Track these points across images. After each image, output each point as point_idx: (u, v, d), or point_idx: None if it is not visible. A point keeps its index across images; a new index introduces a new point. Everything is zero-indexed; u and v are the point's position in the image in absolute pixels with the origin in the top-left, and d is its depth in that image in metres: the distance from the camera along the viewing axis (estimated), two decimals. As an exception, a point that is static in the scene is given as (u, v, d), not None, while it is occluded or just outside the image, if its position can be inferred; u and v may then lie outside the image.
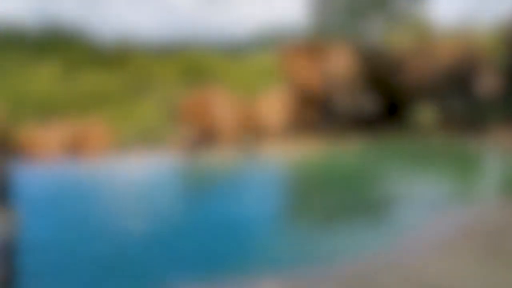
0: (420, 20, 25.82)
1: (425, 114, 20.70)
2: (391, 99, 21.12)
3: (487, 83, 20.50)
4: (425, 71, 20.76)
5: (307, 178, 15.96)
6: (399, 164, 17.09)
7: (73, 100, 22.57)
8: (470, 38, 22.37)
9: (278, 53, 29.82)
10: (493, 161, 17.45)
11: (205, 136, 18.63)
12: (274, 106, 20.43)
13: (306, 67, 22.08)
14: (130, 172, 16.44)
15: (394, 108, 21.07)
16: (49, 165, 16.74)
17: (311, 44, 27.17)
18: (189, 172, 16.71)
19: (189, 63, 28.56)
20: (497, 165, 16.98)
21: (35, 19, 30.21)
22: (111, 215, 11.92)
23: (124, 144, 19.31)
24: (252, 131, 19.85)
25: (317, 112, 20.13)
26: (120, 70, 26.97)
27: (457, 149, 18.37)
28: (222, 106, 19.45)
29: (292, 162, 17.39)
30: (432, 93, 20.45)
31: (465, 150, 18.33)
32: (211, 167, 17.30)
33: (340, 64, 21.18)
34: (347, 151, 18.47)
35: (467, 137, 19.51)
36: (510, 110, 19.88)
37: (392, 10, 28.68)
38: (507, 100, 20.10)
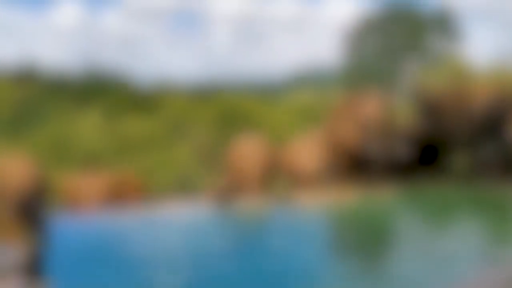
0: (455, 61, 25.69)
1: (461, 161, 20.40)
2: (426, 145, 20.92)
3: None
4: (461, 116, 20.54)
5: (340, 227, 15.88)
6: (434, 213, 16.84)
7: (113, 147, 23.20)
8: (506, 79, 22.06)
9: (313, 96, 30.02)
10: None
11: (238, 183, 18.80)
12: (308, 152, 20.49)
13: (340, 111, 22.15)
14: (166, 221, 16.70)
15: (430, 154, 20.83)
16: (90, 215, 17.17)
17: (346, 87, 27.30)
18: (223, 221, 16.86)
19: (225, 107, 29.02)
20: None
21: (76, 65, 31.41)
22: (149, 265, 12.13)
23: (161, 192, 19.66)
24: (285, 178, 19.91)
25: (351, 159, 20.09)
26: (159, 115, 27.64)
27: (494, 199, 17.99)
28: (256, 152, 19.64)
29: (326, 210, 17.35)
30: (468, 139, 20.18)
31: (503, 199, 17.93)
32: (245, 216, 17.42)
33: (374, 109, 21.18)
34: (381, 199, 18.33)
35: (505, 186, 19.09)
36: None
37: (426, 51, 28.67)
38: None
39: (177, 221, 16.45)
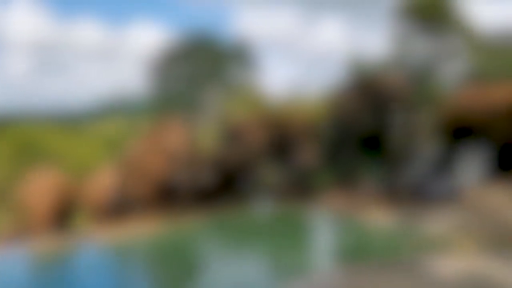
0: (253, 90, 27.20)
1: (255, 184, 21.51)
2: (228, 171, 21.65)
3: (312, 151, 21.94)
4: (256, 142, 21.70)
5: (146, 258, 15.47)
6: (236, 237, 17.34)
7: None
8: (297, 107, 23.96)
9: (118, 125, 29.30)
10: (324, 227, 18.48)
11: (31, 221, 17.35)
12: (111, 183, 19.77)
13: (145, 140, 21.89)
14: None
15: (232, 180, 21.60)
16: None
17: (151, 116, 27.13)
18: (15, 265, 15.34)
19: (21, 139, 26.80)
20: (328, 231, 17.98)
21: None
22: None
23: None
24: (85, 212, 18.94)
25: (157, 188, 19.88)
26: None
27: (288, 219, 19.18)
28: (51, 187, 18.35)
29: (130, 242, 16.81)
30: (262, 163, 21.38)
31: (296, 219, 19.21)
32: (39, 257, 16.06)
33: (179, 137, 21.32)
34: (186, 227, 18.37)
35: (298, 205, 20.49)
36: (335, 175, 21.44)
37: (227, 81, 29.93)
38: (332, 166, 21.67)
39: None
